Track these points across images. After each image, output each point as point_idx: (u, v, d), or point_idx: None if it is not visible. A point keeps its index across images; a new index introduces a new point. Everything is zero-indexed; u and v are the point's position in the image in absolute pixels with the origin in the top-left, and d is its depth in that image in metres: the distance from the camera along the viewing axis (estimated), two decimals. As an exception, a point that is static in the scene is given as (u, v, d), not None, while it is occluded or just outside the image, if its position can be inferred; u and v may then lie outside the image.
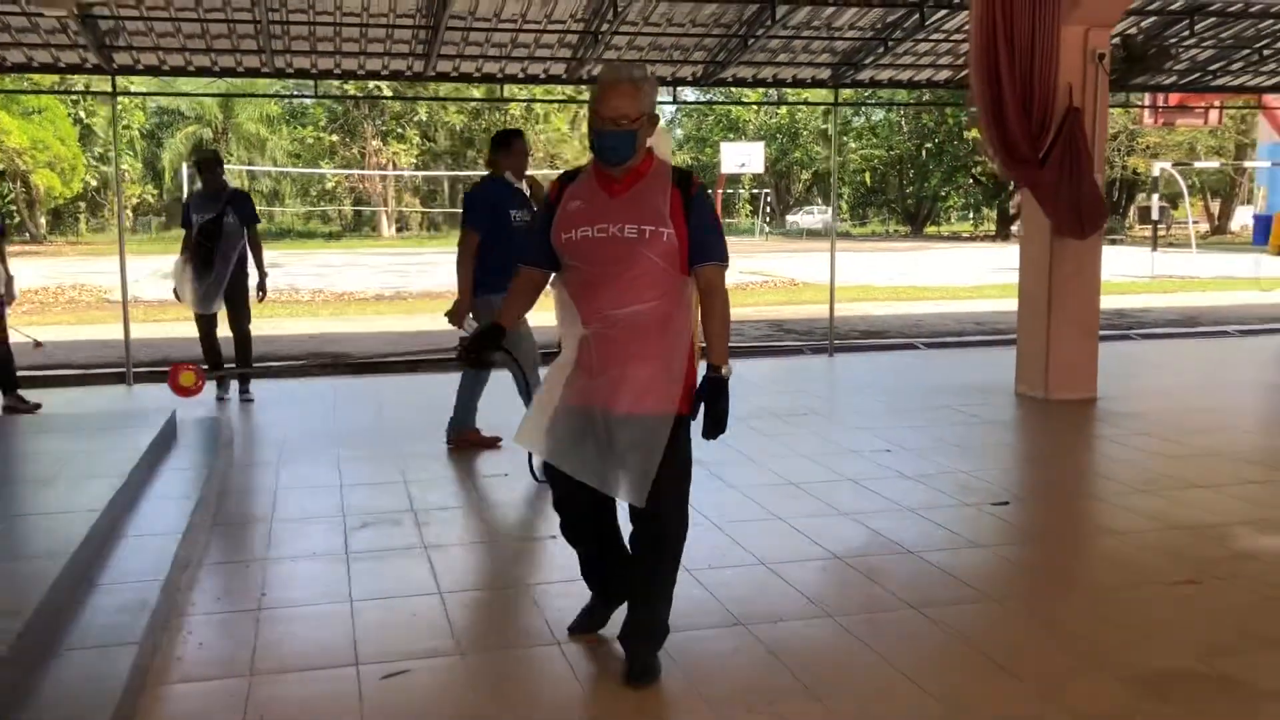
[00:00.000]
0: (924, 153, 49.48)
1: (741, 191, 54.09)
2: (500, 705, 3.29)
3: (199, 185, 8.30)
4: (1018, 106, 7.53)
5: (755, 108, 49.51)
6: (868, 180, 53.43)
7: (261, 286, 8.29)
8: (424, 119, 46.83)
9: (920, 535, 4.89)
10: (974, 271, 24.03)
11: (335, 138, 46.97)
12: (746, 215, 54.21)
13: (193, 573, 4.44)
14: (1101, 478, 6.06)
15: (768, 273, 23.85)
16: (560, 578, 4.29)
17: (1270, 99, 19.64)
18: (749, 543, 4.77)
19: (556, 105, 42.89)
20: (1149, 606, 4.01)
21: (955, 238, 47.56)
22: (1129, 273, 22.84)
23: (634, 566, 3.50)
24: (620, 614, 3.61)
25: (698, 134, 54.90)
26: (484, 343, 3.55)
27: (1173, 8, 9.73)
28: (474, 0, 8.56)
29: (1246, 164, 37.60)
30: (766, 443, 6.69)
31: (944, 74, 11.12)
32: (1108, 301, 9.59)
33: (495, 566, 4.64)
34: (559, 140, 48.86)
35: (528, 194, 6.26)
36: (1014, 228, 47.19)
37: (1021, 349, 8.41)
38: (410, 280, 22.38)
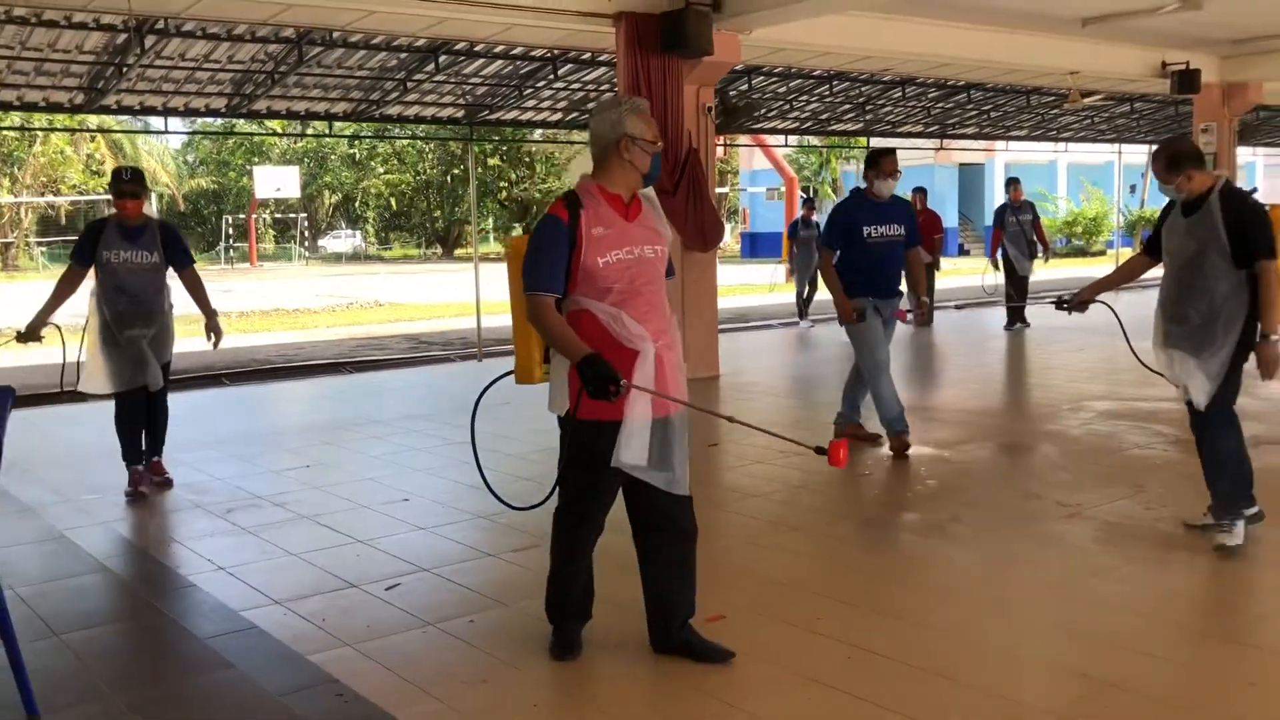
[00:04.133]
0: (450, 178, 51.86)
1: (265, 216, 53.13)
2: (499, 590, 4.47)
3: (113, 212, 6.20)
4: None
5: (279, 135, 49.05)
6: (394, 204, 54.81)
7: (217, 330, 6.44)
8: None
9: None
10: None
11: None
12: (273, 240, 53.42)
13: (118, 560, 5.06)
14: (767, 422, 8.09)
15: (344, 295, 24.53)
16: (439, 522, 5.46)
17: (766, 139, 24.18)
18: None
19: (65, 132, 39.88)
20: (889, 473, 6.20)
21: (485, 259, 50.12)
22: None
23: (675, 553, 3.66)
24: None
25: (217, 157, 53.16)
26: (597, 374, 3.20)
27: (736, 68, 12.33)
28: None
29: (750, 189, 43.84)
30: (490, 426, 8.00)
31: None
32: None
33: (379, 521, 5.57)
34: (60, 163, 45.18)
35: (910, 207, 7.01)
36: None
37: (661, 340, 10.43)
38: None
